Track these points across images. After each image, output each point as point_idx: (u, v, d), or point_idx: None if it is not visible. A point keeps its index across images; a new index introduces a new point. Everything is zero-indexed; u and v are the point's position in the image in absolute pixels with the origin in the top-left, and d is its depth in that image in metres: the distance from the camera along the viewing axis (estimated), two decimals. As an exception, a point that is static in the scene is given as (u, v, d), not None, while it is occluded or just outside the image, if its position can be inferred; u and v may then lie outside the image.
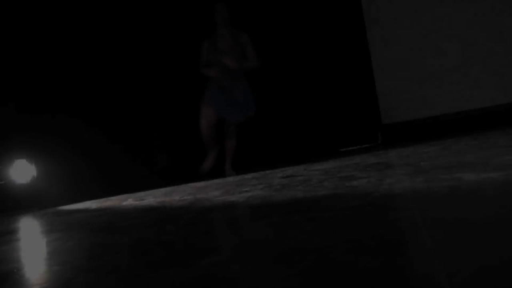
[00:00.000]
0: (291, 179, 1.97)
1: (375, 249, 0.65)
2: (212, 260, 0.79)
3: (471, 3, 3.83)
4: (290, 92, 4.02)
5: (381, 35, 4.13)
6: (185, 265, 0.79)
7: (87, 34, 3.66)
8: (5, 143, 3.19)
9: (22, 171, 3.19)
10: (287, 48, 4.00)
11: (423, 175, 1.32)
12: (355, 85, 4.07)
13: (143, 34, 3.82)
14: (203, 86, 3.23)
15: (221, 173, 3.20)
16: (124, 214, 1.84)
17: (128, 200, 2.43)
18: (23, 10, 3.47)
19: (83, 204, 2.74)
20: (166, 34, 3.73)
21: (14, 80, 3.41)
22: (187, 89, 3.66)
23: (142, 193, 2.76)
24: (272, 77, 3.97)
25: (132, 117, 3.84)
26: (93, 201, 2.85)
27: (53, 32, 3.55)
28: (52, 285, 0.81)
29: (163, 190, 2.79)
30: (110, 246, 1.09)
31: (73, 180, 3.33)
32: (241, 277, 0.67)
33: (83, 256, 1.03)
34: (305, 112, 4.04)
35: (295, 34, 4.01)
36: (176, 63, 3.55)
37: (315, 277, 0.59)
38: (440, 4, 3.92)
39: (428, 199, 0.99)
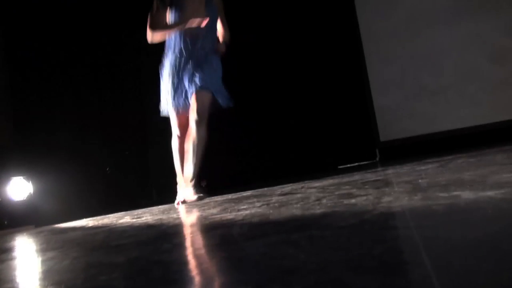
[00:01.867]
0: (289, 196, 1.96)
1: (374, 269, 0.64)
2: (209, 280, 0.78)
3: (468, 22, 3.90)
4: (288, 110, 4.05)
5: (378, 52, 4.18)
6: (181, 284, 0.78)
7: (84, 50, 3.70)
8: (1, 160, 3.18)
9: (19, 189, 3.17)
10: (284, 64, 4.04)
11: (421, 193, 1.32)
12: (352, 102, 4.10)
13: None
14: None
15: (220, 190, 3.18)
16: (120, 232, 1.82)
17: (125, 218, 2.41)
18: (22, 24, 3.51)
19: (79, 222, 2.72)
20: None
21: (10, 96, 3.43)
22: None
23: (139, 211, 2.74)
24: (271, 93, 3.99)
25: (129, 134, 3.85)
26: (89, 218, 2.83)
27: (49, 45, 3.59)
28: (46, 306, 0.79)
29: (160, 207, 2.77)
30: (105, 265, 1.07)
31: (70, 198, 3.31)
32: (238, 298, 0.67)
33: (78, 276, 1.02)
34: (303, 129, 4.05)
35: (294, 51, 4.06)
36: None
37: (313, 298, 0.58)
38: (436, 22, 3.98)
39: (426, 218, 0.99)
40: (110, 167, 3.59)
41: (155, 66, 3.83)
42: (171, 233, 1.52)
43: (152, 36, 2.69)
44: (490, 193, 1.09)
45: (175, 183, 2.97)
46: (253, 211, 1.64)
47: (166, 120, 4.01)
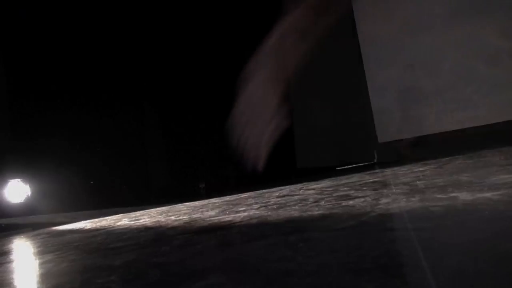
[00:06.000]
0: (287, 198, 1.96)
1: (372, 271, 0.64)
2: (207, 282, 0.78)
3: (464, 25, 3.91)
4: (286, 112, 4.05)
5: (376, 55, 4.19)
6: (179, 287, 0.77)
7: (82, 52, 3.70)
8: (-1, 163, 3.18)
9: (17, 191, 3.17)
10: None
11: (419, 195, 1.32)
12: (351, 104, 4.10)
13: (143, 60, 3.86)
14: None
15: (218, 192, 3.17)
16: (118, 234, 1.82)
17: (123, 220, 2.41)
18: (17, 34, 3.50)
19: (77, 224, 2.71)
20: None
21: (8, 99, 3.43)
22: (186, 105, 3.67)
23: (137, 213, 2.74)
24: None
25: (127, 137, 3.84)
26: (87, 221, 2.82)
27: (47, 48, 3.58)
28: (44, 309, 0.79)
29: (158, 209, 2.77)
30: (103, 268, 1.07)
31: (67, 200, 3.30)
32: (236, 300, 0.66)
33: (76, 278, 1.02)
34: (301, 131, 4.05)
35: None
36: (174, 74, 3.56)
37: (311, 300, 0.58)
38: (433, 25, 4.00)
39: (424, 219, 0.99)
40: (107, 171, 3.58)
41: (154, 68, 3.82)
42: (169, 235, 1.52)
43: None
44: (487, 194, 1.09)
45: (174, 185, 2.96)
46: (251, 213, 1.64)
47: (165, 121, 4.00)
